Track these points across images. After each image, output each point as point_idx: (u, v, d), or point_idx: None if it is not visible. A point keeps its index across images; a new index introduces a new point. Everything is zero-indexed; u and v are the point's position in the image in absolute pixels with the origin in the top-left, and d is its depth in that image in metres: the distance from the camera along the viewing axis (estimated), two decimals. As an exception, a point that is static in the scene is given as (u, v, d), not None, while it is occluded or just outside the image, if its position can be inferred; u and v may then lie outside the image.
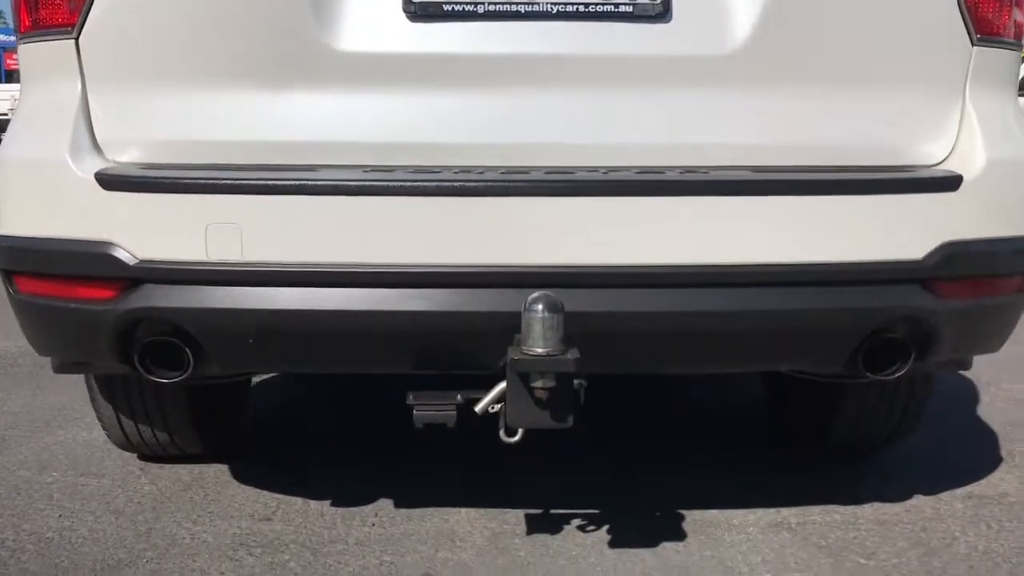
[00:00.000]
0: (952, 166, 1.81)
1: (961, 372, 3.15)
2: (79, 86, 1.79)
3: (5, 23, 62.77)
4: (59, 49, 1.80)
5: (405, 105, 1.77)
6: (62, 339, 1.87)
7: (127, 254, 1.70)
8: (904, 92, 1.84)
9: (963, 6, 1.82)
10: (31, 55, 1.86)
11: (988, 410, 3.13)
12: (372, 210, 1.67)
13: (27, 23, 1.84)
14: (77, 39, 1.78)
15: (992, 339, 1.95)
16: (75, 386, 3.05)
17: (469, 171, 1.73)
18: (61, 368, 2.03)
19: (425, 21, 1.75)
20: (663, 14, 1.76)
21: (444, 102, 1.77)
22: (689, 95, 1.79)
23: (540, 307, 1.59)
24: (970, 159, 1.81)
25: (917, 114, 1.84)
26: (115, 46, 1.78)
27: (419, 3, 1.74)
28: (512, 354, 1.62)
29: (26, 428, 2.89)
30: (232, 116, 1.77)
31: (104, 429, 2.46)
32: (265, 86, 1.77)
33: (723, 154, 1.79)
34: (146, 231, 1.69)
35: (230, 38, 1.76)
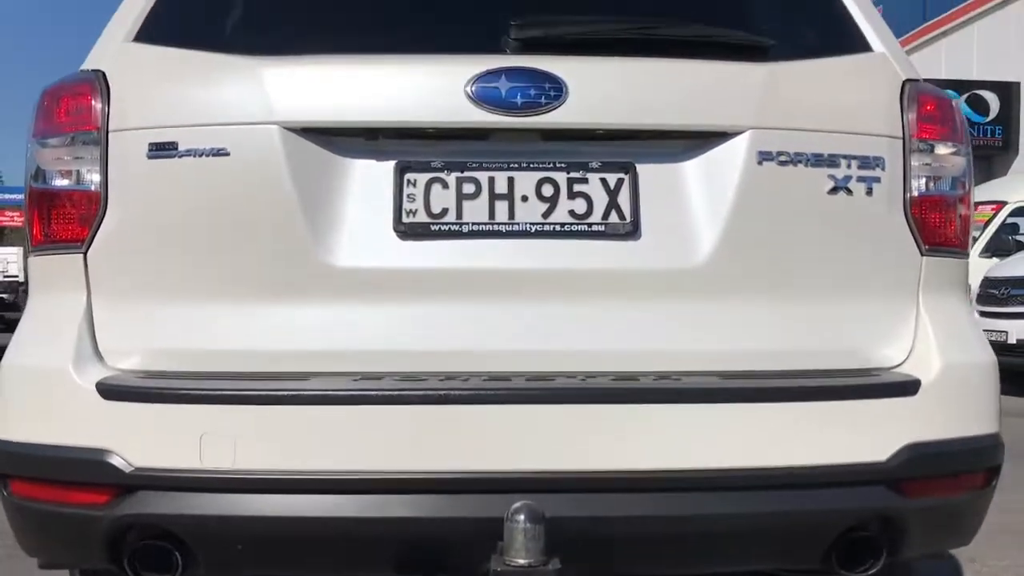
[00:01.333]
0: (910, 369, 1.92)
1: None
2: (84, 297, 1.89)
3: (1, 182, 64.27)
4: (68, 262, 1.91)
5: (395, 316, 1.88)
6: (53, 542, 1.90)
7: (123, 461, 1.75)
8: (861, 300, 1.97)
9: (910, 221, 1.97)
10: (41, 266, 1.97)
11: (971, 590, 3.14)
12: (360, 418, 1.74)
13: (39, 237, 1.96)
14: (85, 253, 1.90)
15: (961, 534, 2.01)
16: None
17: (454, 378, 1.82)
18: (47, 565, 2.04)
19: (414, 239, 1.88)
20: (632, 232, 1.89)
21: (431, 312, 1.88)
22: (659, 305, 1.91)
23: (522, 517, 1.64)
24: (927, 363, 1.92)
25: (874, 320, 1.97)
26: (121, 260, 1.90)
27: (409, 223, 1.87)
28: (495, 564, 1.66)
29: (2, 618, 2.85)
30: (230, 327, 1.87)
31: (84, 620, 2.44)
32: (263, 299, 1.88)
33: (693, 360, 1.89)
34: (142, 439, 1.76)
35: (231, 254, 1.88)
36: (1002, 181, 12.70)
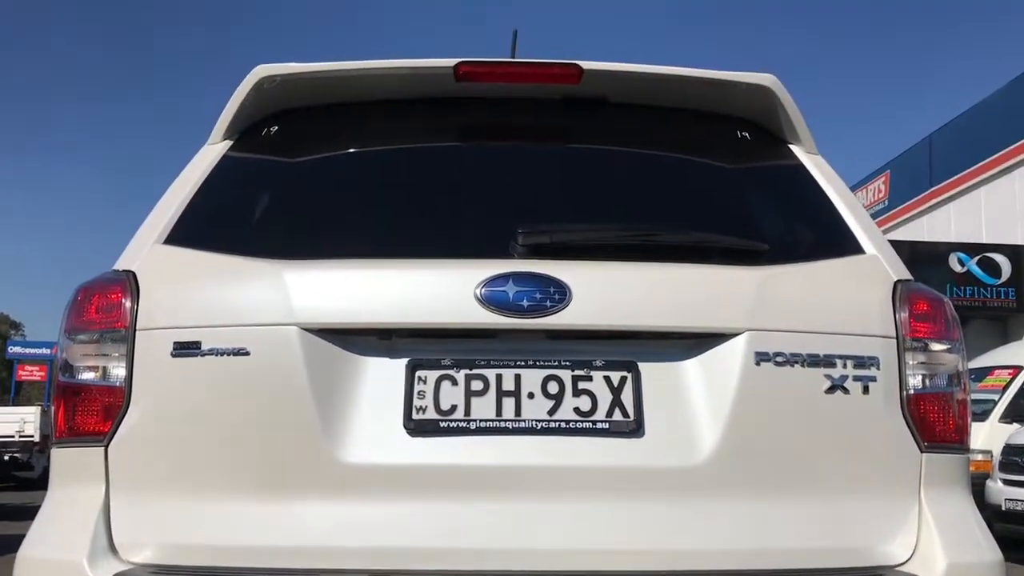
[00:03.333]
0: (915, 569, 1.92)
1: None
2: (103, 490, 1.94)
3: (22, 335, 65.16)
4: (89, 456, 1.96)
5: (402, 512, 1.91)
6: None
7: (128, 659, 1.76)
8: (863, 497, 1.98)
9: (908, 419, 2.01)
10: (62, 459, 2.03)
11: None
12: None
13: (62, 429, 2.02)
14: (107, 447, 1.95)
15: None
16: None
17: None
18: None
19: (423, 436, 1.93)
20: (636, 430, 1.94)
21: (438, 509, 1.91)
22: (664, 503, 1.93)
23: None
24: (931, 562, 1.92)
25: (877, 518, 1.98)
26: (140, 454, 1.95)
27: (418, 420, 1.93)
28: None
29: None
30: (242, 522, 1.90)
31: None
32: (276, 495, 1.91)
33: (698, 559, 1.90)
34: None
35: (246, 450, 1.94)
36: (1019, 345, 12.67)
